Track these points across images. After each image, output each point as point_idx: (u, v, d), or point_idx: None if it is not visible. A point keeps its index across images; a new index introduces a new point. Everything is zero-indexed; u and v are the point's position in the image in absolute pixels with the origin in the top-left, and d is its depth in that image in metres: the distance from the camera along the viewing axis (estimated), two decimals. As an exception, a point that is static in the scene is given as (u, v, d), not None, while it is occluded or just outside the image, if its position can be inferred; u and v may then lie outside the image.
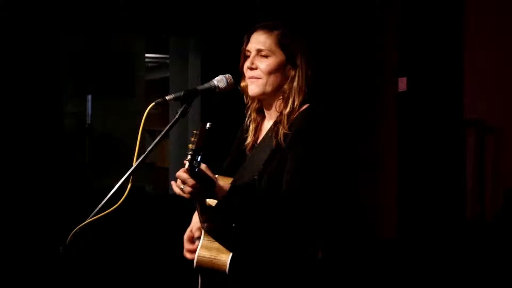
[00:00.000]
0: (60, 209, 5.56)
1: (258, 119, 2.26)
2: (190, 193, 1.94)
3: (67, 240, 1.85)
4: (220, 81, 2.14)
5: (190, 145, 1.85)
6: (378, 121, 6.04)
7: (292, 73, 2.13)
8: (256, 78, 2.14)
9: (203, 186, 1.94)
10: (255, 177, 2.07)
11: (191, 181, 1.92)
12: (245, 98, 2.26)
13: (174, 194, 2.03)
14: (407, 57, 5.51)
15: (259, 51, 2.13)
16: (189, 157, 1.84)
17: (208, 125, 1.89)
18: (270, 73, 2.12)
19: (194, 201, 2.04)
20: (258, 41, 2.14)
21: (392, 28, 5.79)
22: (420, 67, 5.39)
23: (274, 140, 2.10)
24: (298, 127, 2.07)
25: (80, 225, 1.87)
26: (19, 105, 5.75)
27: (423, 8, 5.38)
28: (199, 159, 1.85)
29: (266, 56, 2.13)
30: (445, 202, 5.19)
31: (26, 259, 4.90)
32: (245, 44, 2.19)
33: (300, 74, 2.12)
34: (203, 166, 1.98)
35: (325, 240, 2.10)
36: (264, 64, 2.13)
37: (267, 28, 2.15)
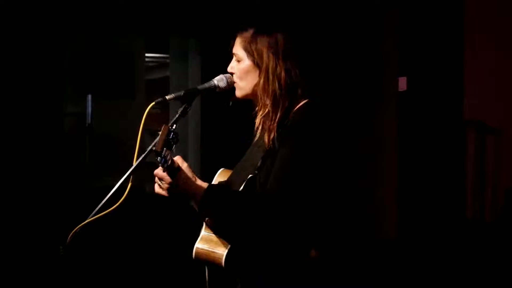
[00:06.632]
0: (60, 209, 5.56)
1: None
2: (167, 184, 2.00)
3: (67, 240, 1.85)
4: (220, 80, 2.15)
5: (154, 148, 1.85)
6: (378, 121, 6.04)
7: (258, 74, 2.12)
8: (235, 82, 2.16)
9: (171, 171, 1.95)
10: (250, 175, 2.06)
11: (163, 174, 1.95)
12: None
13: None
14: (407, 57, 5.52)
15: (235, 55, 2.15)
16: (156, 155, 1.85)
17: (170, 127, 1.86)
18: (241, 78, 2.14)
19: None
20: (235, 45, 2.16)
21: (392, 28, 5.79)
22: (420, 67, 5.39)
23: (266, 137, 2.10)
24: (293, 122, 2.06)
25: (80, 225, 1.87)
26: (19, 105, 5.74)
27: (423, 8, 5.38)
28: (163, 161, 1.86)
29: (239, 61, 2.15)
30: (445, 202, 5.19)
31: (26, 259, 4.90)
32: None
33: (265, 74, 2.09)
34: (178, 157, 2.00)
35: (321, 240, 2.08)
36: (236, 69, 2.15)
37: (241, 32, 2.16)
